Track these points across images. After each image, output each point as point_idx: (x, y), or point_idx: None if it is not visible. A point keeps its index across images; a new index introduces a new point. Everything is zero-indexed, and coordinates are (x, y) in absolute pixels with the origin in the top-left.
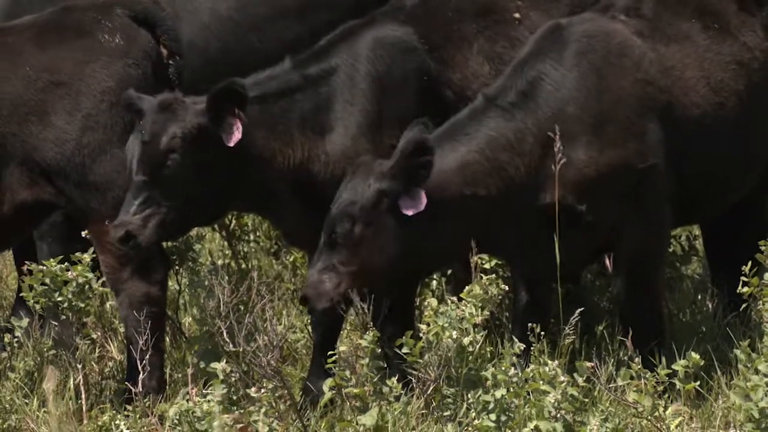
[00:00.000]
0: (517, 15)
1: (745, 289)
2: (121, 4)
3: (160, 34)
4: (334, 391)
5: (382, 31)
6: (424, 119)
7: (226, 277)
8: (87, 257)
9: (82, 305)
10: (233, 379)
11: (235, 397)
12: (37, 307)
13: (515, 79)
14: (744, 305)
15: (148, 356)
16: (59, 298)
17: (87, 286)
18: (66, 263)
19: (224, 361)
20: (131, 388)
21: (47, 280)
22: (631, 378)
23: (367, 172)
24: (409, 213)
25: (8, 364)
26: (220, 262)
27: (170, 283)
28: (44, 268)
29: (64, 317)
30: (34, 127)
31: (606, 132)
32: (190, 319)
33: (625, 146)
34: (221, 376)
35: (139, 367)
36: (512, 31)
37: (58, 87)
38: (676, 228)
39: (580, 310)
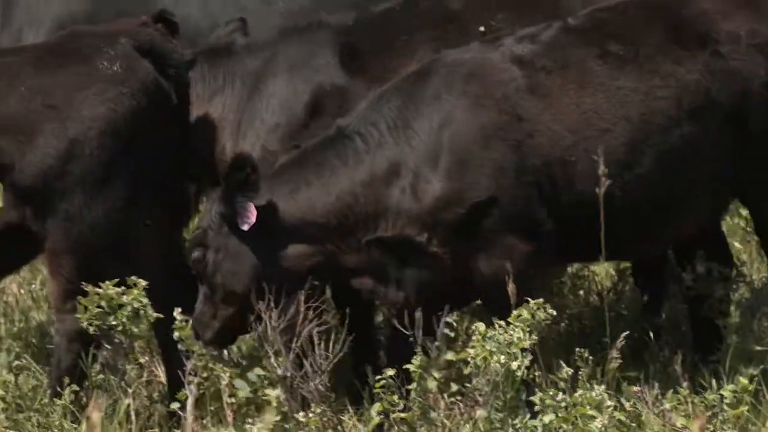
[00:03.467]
0: (482, 29)
1: None
2: (127, 34)
3: (166, 67)
4: (381, 416)
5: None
6: (296, 143)
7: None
8: (143, 282)
9: (136, 330)
10: (286, 407)
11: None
12: (91, 329)
13: (368, 111)
14: None
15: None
16: (113, 322)
17: (141, 311)
18: (122, 287)
19: (276, 388)
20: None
21: (103, 303)
22: (679, 402)
23: (211, 197)
24: (245, 228)
25: (56, 388)
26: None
27: None
28: (100, 290)
29: (116, 341)
30: (22, 147)
31: (442, 164)
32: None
33: (460, 179)
34: (274, 403)
35: (188, 391)
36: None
37: (49, 110)
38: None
39: (625, 333)
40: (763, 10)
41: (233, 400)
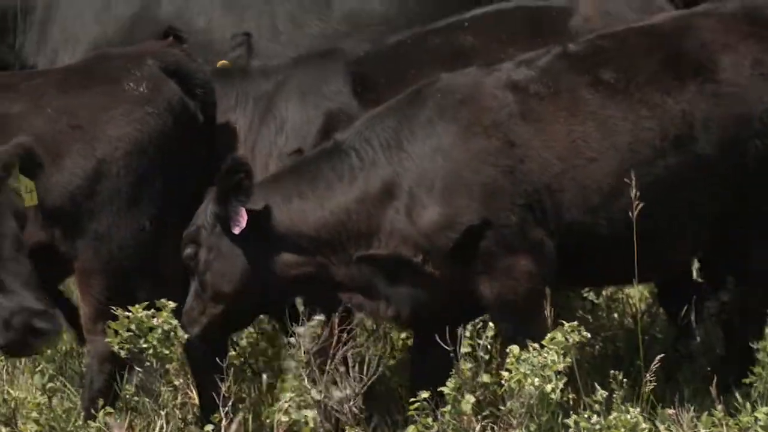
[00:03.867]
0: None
1: None
2: (153, 55)
3: (193, 87)
4: None
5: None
6: (298, 148)
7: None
8: (172, 304)
9: (167, 352)
10: (321, 430)
11: None
12: (122, 353)
13: (364, 128)
14: None
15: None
16: (144, 345)
17: (172, 333)
18: (152, 309)
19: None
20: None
21: (133, 326)
22: (713, 425)
23: (208, 196)
24: (236, 231)
25: (90, 410)
26: (301, 309)
27: (249, 331)
28: (130, 314)
29: (148, 364)
30: (48, 168)
31: (435, 189)
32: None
33: (452, 204)
34: (311, 425)
35: (221, 414)
36: None
37: (75, 130)
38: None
39: (660, 356)
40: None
41: (285, 419)
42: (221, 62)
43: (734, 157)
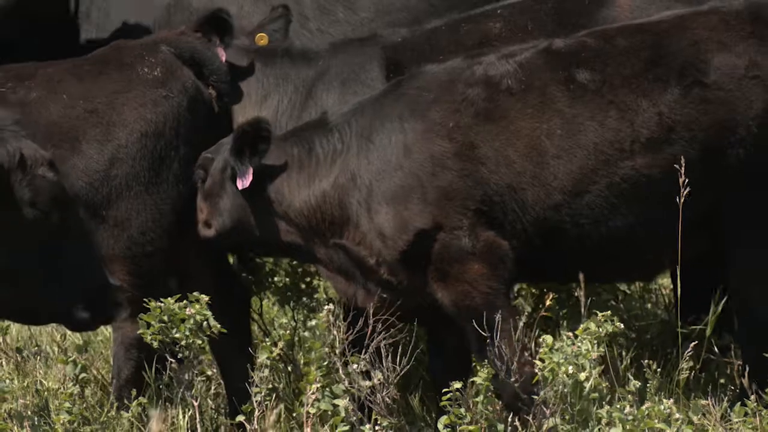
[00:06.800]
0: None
1: None
2: (167, 42)
3: (207, 74)
4: (449, 429)
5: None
6: (325, 110)
7: (341, 314)
8: (205, 297)
9: (200, 342)
10: (354, 417)
11: None
12: (155, 344)
13: (350, 112)
14: None
15: (118, 393)
16: (177, 335)
17: (204, 324)
18: (184, 300)
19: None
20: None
21: (165, 318)
22: (746, 415)
23: (231, 137)
24: (239, 187)
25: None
26: (336, 297)
27: (284, 320)
28: (162, 305)
29: (180, 355)
30: (65, 154)
31: (392, 185)
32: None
33: (405, 204)
34: (343, 414)
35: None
36: None
37: (92, 115)
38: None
39: (693, 344)
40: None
41: (313, 410)
42: (259, 34)
43: (712, 164)
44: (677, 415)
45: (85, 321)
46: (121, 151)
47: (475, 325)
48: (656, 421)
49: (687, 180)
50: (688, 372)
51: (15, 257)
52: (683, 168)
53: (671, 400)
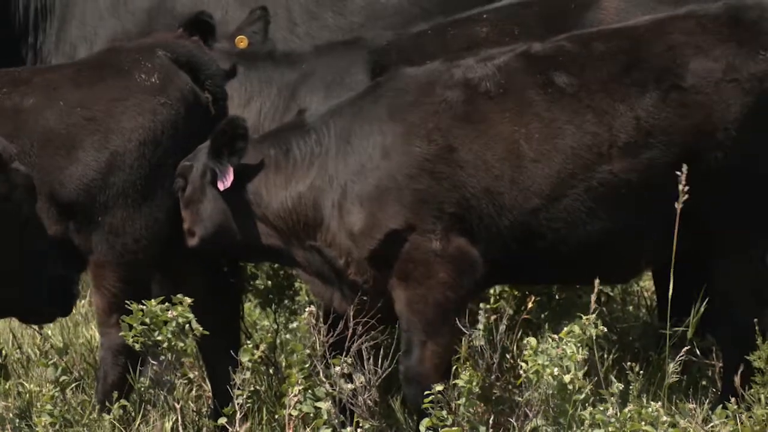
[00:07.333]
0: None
1: None
2: (164, 46)
3: (203, 78)
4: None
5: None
6: (303, 108)
7: (322, 317)
8: (188, 299)
9: (182, 345)
10: (336, 420)
11: None
12: (137, 346)
13: (327, 113)
14: None
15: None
16: (159, 338)
17: (187, 326)
18: (166, 303)
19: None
20: None
21: (147, 320)
22: (727, 417)
23: (207, 142)
24: (221, 188)
25: (104, 403)
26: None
27: (266, 323)
28: (144, 307)
29: (162, 357)
30: (62, 161)
31: (368, 187)
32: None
33: (380, 207)
34: (325, 416)
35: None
36: None
37: (89, 122)
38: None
39: (686, 348)
40: (747, 45)
41: (295, 413)
42: (239, 37)
43: (691, 168)
44: (664, 418)
45: (44, 313)
46: (118, 159)
47: (414, 330)
48: (643, 424)
49: (665, 183)
50: (677, 376)
51: None
52: (683, 175)
53: (659, 403)
